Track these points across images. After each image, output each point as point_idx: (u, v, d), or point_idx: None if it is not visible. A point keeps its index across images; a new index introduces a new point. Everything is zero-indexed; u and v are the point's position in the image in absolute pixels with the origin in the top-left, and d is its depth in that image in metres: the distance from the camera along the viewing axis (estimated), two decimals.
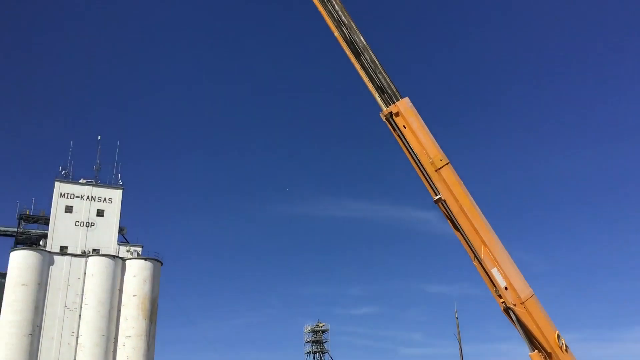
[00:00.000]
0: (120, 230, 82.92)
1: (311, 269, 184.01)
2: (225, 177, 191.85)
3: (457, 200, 16.42)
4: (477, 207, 16.52)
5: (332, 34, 17.70)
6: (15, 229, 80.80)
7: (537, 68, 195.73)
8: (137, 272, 77.50)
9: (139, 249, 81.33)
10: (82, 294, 74.45)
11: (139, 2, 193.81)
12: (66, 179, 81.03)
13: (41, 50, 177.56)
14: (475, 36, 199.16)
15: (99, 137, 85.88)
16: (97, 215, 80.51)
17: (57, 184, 79.91)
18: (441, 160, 16.63)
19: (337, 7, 17.57)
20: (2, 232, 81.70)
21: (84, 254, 76.80)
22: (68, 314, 73.32)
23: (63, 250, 76.58)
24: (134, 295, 76.05)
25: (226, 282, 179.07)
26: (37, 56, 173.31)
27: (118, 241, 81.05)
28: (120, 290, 76.42)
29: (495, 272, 16.16)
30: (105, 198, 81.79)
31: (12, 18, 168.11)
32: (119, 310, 75.58)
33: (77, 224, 79.00)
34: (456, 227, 16.64)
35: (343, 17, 17.53)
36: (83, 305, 74.00)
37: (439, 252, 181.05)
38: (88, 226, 79.36)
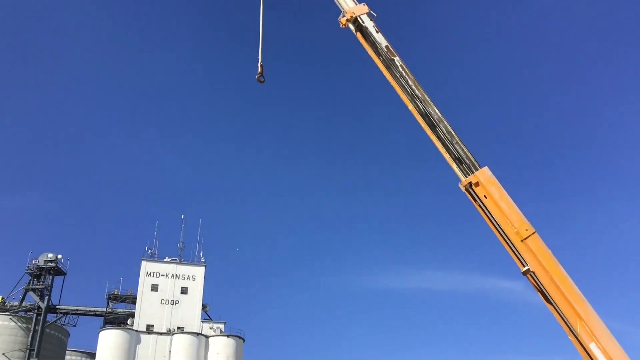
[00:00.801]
0: (203, 307, 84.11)
1: (397, 344, 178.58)
2: (305, 249, 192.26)
3: (547, 272, 15.66)
4: (569, 278, 15.69)
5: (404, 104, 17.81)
6: (105, 309, 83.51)
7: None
8: (221, 350, 77.85)
9: (222, 326, 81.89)
10: None
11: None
12: (152, 257, 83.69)
13: (128, 143, 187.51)
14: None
15: (182, 217, 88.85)
16: (182, 293, 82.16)
17: (143, 263, 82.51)
18: (527, 229, 16.00)
19: (410, 81, 17.72)
20: (92, 313, 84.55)
21: (169, 332, 78.02)
22: None
23: (149, 329, 78.10)
24: None
25: (311, 359, 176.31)
26: (129, 150, 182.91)
27: (201, 318, 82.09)
28: None
29: (593, 348, 15.13)
30: (188, 276, 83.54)
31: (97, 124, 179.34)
32: None
33: (163, 302, 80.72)
34: (547, 299, 15.82)
35: (417, 91, 17.63)
36: None
37: (529, 325, 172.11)
38: (173, 304, 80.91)
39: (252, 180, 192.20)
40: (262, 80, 18.47)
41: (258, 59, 18.63)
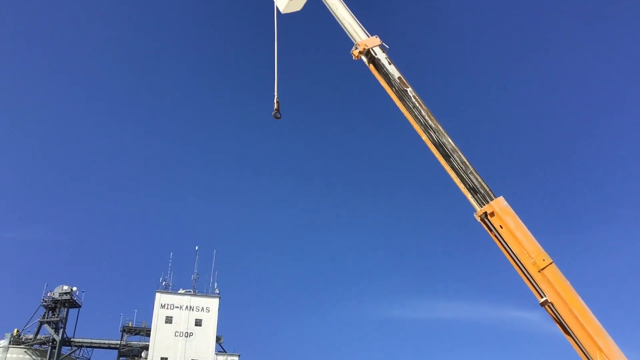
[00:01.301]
0: (217, 339, 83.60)
1: None
2: (319, 280, 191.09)
3: (565, 303, 15.42)
4: (588, 309, 15.42)
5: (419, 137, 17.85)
6: (119, 342, 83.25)
7: None
8: None
9: (236, 358, 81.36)
10: None
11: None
12: (166, 289, 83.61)
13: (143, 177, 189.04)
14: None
15: (197, 248, 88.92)
16: (196, 325, 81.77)
17: (157, 295, 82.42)
18: (544, 260, 15.78)
19: (423, 112, 17.77)
20: (106, 345, 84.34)
21: None
22: None
23: None
24: None
25: None
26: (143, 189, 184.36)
27: (215, 350, 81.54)
28: None
29: None
30: (203, 307, 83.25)
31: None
32: None
33: (177, 334, 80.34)
34: (566, 330, 15.54)
35: (430, 122, 17.66)
36: None
37: (547, 356, 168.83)
38: (187, 336, 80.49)
39: (267, 210, 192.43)
40: (279, 116, 18.56)
41: (274, 95, 18.74)
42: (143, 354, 79.58)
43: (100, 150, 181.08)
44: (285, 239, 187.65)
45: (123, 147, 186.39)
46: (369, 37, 18.44)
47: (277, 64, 19.20)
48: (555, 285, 15.53)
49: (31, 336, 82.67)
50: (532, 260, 15.82)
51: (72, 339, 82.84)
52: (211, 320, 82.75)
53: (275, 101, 18.69)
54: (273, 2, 19.54)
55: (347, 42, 18.64)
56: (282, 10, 19.06)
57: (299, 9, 19.31)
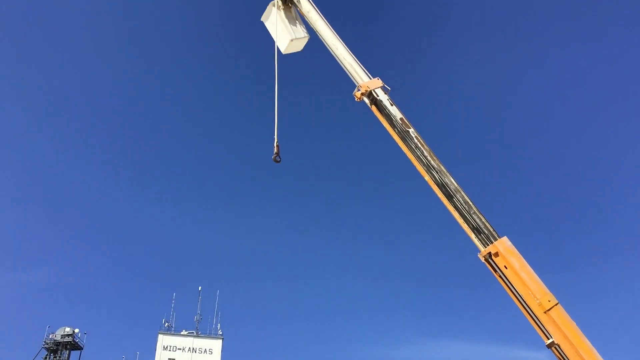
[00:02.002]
0: None
1: None
2: (322, 321, 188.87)
3: (572, 344, 15.21)
4: (594, 350, 15.17)
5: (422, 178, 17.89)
6: None
7: None
8: None
9: None
10: None
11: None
12: (169, 330, 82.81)
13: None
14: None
15: (200, 288, 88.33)
16: None
17: (160, 336, 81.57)
18: (549, 301, 15.58)
19: (425, 152, 17.84)
20: None
21: None
22: None
23: None
24: None
25: None
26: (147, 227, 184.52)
27: None
28: None
29: None
30: (205, 349, 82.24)
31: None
32: None
33: None
34: None
35: (432, 162, 17.71)
36: None
37: None
38: None
39: (271, 252, 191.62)
40: (279, 160, 18.53)
41: (274, 139, 18.74)
42: None
43: (100, 194, 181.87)
44: (290, 282, 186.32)
45: (124, 187, 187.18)
46: (370, 78, 18.66)
47: (277, 106, 19.29)
48: (562, 327, 15.35)
49: None
50: (538, 302, 15.67)
51: None
52: None
53: (275, 144, 18.57)
54: (274, 42, 19.76)
55: (348, 81, 18.88)
56: (283, 51, 19.30)
57: (299, 50, 19.52)
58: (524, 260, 16.51)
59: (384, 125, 18.54)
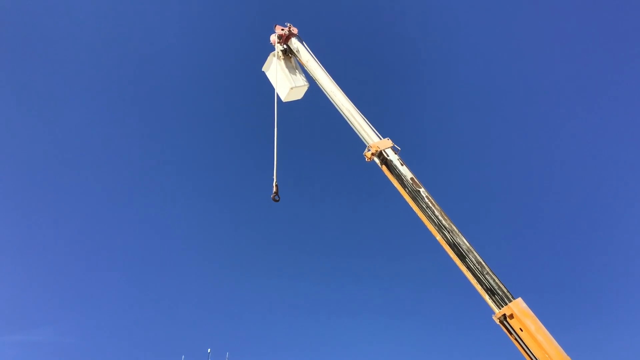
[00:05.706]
0: None
1: None
2: None
3: None
4: None
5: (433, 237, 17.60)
6: None
7: None
8: None
9: None
10: None
11: None
12: None
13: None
14: None
15: (209, 350, 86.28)
16: None
17: None
18: None
19: (436, 212, 17.63)
20: None
21: None
22: None
23: None
24: None
25: None
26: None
27: None
28: None
29: None
30: None
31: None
32: None
33: None
34: None
35: (444, 222, 17.48)
36: None
37: None
38: None
39: (279, 310, 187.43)
40: (277, 199, 18.63)
41: (273, 179, 18.93)
42: None
43: (104, 251, 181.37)
44: (299, 343, 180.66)
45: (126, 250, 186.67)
46: (380, 139, 18.76)
47: (276, 151, 19.44)
48: None
49: None
50: None
51: None
52: None
53: (274, 184, 18.76)
54: (274, 90, 20.07)
55: (347, 129, 18.94)
56: (283, 99, 19.65)
57: (300, 98, 19.90)
58: (539, 322, 15.85)
59: (394, 185, 18.43)
